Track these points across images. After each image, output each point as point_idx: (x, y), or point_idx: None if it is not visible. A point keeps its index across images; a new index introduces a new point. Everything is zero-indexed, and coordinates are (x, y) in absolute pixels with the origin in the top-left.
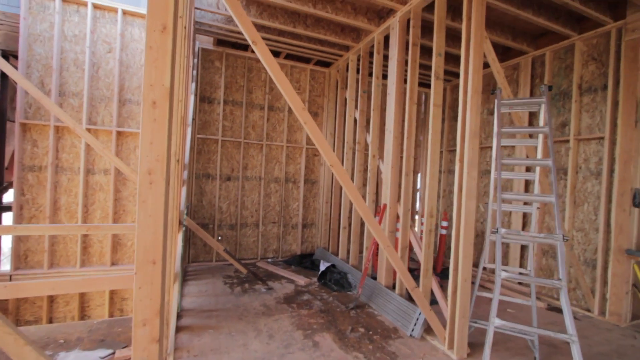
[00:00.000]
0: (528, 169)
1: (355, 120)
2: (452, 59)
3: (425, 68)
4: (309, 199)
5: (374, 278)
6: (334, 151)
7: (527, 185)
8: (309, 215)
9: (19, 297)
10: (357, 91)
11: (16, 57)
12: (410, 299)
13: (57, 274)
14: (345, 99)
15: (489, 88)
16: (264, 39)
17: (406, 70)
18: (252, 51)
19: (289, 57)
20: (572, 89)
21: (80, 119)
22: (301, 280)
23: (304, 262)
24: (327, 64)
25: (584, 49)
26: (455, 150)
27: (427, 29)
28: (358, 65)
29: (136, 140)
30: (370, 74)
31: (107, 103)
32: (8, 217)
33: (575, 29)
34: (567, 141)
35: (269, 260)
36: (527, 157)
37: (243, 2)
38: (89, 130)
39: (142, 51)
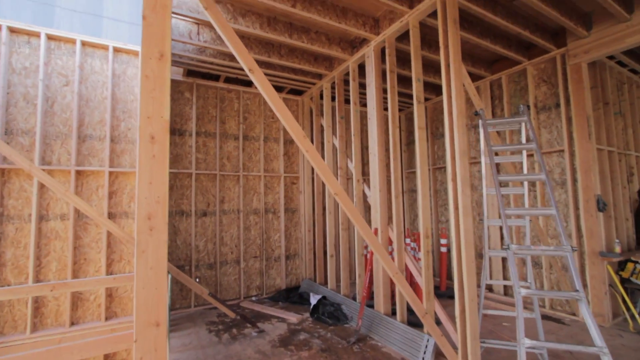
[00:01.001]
0: (505, 184)
1: (333, 146)
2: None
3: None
4: (290, 228)
5: (370, 306)
6: (314, 179)
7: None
8: (291, 246)
9: None
10: (333, 118)
11: None
12: (412, 323)
13: (1, 345)
14: (322, 126)
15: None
16: (237, 69)
17: (384, 97)
18: (224, 81)
19: None
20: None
21: (32, 158)
22: (293, 317)
23: (292, 296)
24: (299, 92)
25: (534, 73)
26: (441, 168)
27: (398, 57)
28: (332, 92)
29: (98, 180)
30: (347, 101)
31: (64, 140)
32: None
33: (526, 55)
34: (532, 155)
35: (254, 298)
36: (507, 172)
37: (216, 33)
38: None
39: (104, 83)
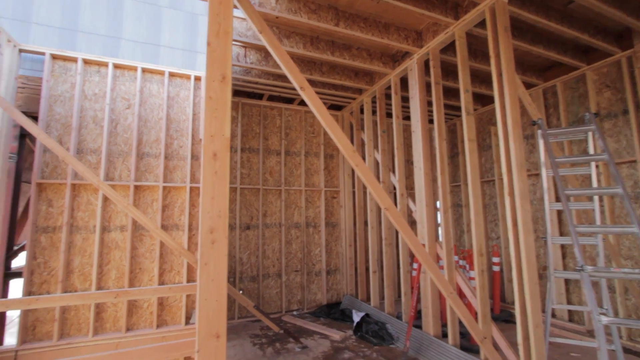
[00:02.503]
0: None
1: (375, 160)
2: (458, 94)
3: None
4: (330, 243)
5: (417, 327)
6: (355, 192)
7: (574, 214)
8: (332, 261)
9: None
10: (374, 132)
11: (35, 118)
12: (464, 348)
13: (68, 346)
14: (362, 140)
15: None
16: (280, 87)
17: (428, 110)
18: (267, 99)
19: (302, 103)
20: None
21: (98, 175)
22: (335, 334)
23: (333, 312)
24: (339, 107)
25: (595, 78)
26: (489, 182)
27: (441, 69)
28: (373, 106)
29: (153, 194)
30: (388, 115)
31: (125, 157)
32: (17, 284)
33: (584, 60)
34: (597, 166)
35: (295, 313)
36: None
37: (262, 54)
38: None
39: (160, 105)
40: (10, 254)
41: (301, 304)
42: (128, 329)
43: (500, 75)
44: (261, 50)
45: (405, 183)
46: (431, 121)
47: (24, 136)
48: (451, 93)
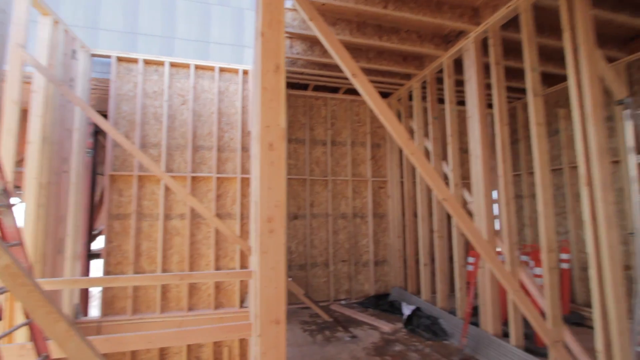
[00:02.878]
0: None
1: (425, 149)
2: (519, 75)
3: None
4: (378, 234)
5: (473, 324)
6: (403, 183)
7: None
8: (380, 252)
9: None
10: (424, 119)
11: (106, 116)
12: (529, 350)
13: (140, 320)
14: (411, 129)
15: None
16: (326, 76)
17: (487, 94)
18: (313, 89)
19: (347, 92)
20: None
21: (159, 167)
22: (385, 326)
23: (381, 304)
24: (385, 95)
25: None
26: (555, 170)
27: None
28: (423, 92)
29: (208, 184)
30: (440, 100)
31: (182, 150)
32: (97, 264)
33: None
34: None
35: (343, 302)
36: None
37: (307, 44)
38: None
39: (212, 100)
40: (90, 237)
41: (349, 293)
42: (190, 309)
43: (575, 49)
44: (306, 40)
45: (461, 173)
46: (489, 106)
47: (97, 133)
48: (510, 74)
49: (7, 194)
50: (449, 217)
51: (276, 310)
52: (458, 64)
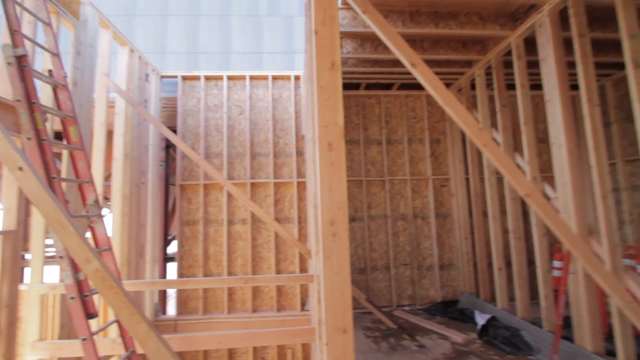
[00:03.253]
0: None
1: (494, 140)
2: (607, 48)
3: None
4: (442, 235)
5: (566, 338)
6: (469, 179)
7: None
8: (445, 255)
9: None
10: (490, 108)
11: (175, 131)
12: None
13: (209, 320)
14: (476, 120)
15: None
16: (378, 73)
17: (569, 73)
18: (365, 88)
19: (402, 87)
20: None
21: (222, 175)
22: (456, 336)
23: (450, 311)
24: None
25: None
26: (634, 161)
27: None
28: (487, 79)
29: (266, 190)
30: (509, 86)
31: (241, 158)
32: (171, 266)
33: None
34: None
35: (406, 308)
36: None
37: (358, 42)
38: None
39: (266, 108)
40: (166, 242)
41: (412, 299)
42: (254, 310)
43: None
44: (356, 37)
45: (539, 164)
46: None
47: (168, 147)
48: (595, 47)
49: (97, 205)
50: (525, 216)
51: (343, 318)
52: (529, 44)
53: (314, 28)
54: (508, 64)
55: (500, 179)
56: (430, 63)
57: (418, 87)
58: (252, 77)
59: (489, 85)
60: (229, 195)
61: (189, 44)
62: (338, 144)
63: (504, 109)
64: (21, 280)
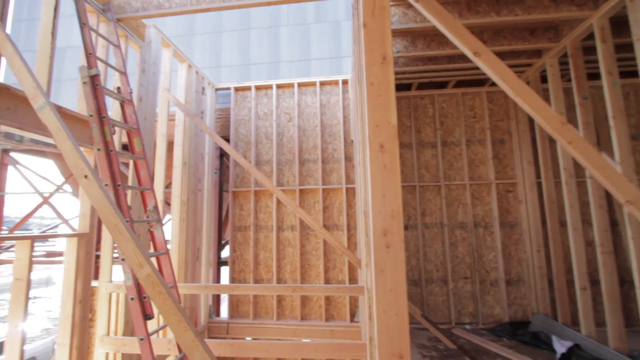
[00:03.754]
0: None
1: None
2: None
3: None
4: (509, 247)
5: None
6: (541, 184)
7: None
8: (512, 269)
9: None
10: (567, 102)
11: (228, 140)
12: None
13: (259, 325)
14: None
15: None
16: (431, 71)
17: None
18: (417, 88)
19: (458, 84)
20: None
21: (271, 182)
22: None
23: (520, 334)
24: None
25: None
26: None
27: None
28: (562, 69)
29: (315, 196)
30: (591, 75)
31: (290, 165)
32: (224, 270)
33: None
34: None
35: (467, 327)
36: None
37: (408, 39)
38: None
39: (314, 114)
40: (219, 247)
41: (474, 317)
42: (302, 318)
43: None
44: (407, 35)
45: (632, 165)
46: None
47: (222, 155)
48: None
49: (157, 211)
50: (613, 226)
51: (398, 341)
52: (616, 24)
53: (363, 21)
54: (589, 50)
55: (581, 183)
56: (515, 54)
57: (477, 83)
58: (300, 84)
59: (564, 76)
60: (278, 202)
61: (240, 56)
62: (391, 144)
63: (584, 102)
64: (95, 278)
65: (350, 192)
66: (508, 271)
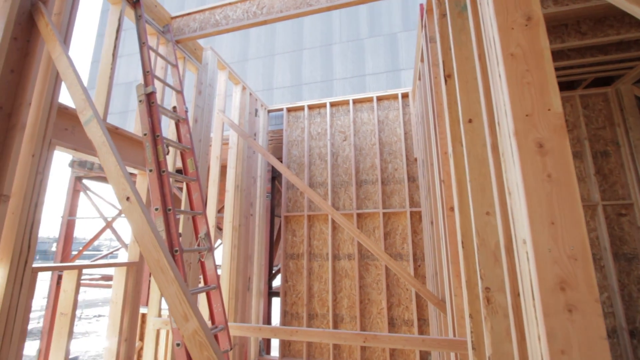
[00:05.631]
0: None
1: None
2: None
3: None
4: (628, 286)
5: None
6: None
7: None
8: (638, 315)
9: None
10: None
11: (280, 161)
12: None
13: None
14: None
15: None
16: None
17: None
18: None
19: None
20: None
21: (327, 204)
22: None
23: None
24: (608, 80)
25: None
26: None
27: None
28: None
29: (374, 221)
30: None
31: (346, 187)
32: (275, 301)
33: None
34: None
35: None
36: None
37: None
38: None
39: (372, 131)
40: (270, 275)
41: None
42: None
43: None
44: None
45: None
46: None
47: (274, 179)
48: None
49: (208, 238)
50: None
51: None
52: None
53: None
54: None
55: None
56: (591, 51)
57: (566, 86)
58: (355, 101)
59: None
60: (334, 228)
61: (292, 78)
62: (557, 142)
63: None
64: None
65: (415, 217)
66: (631, 319)
